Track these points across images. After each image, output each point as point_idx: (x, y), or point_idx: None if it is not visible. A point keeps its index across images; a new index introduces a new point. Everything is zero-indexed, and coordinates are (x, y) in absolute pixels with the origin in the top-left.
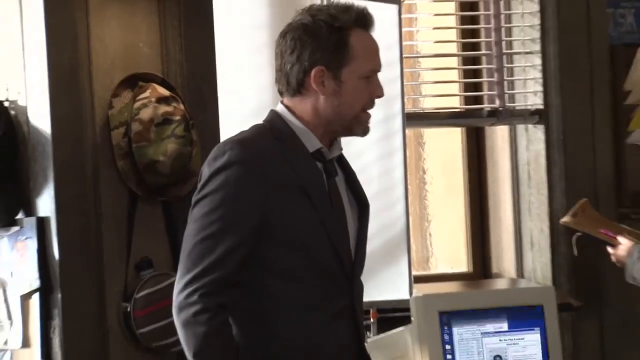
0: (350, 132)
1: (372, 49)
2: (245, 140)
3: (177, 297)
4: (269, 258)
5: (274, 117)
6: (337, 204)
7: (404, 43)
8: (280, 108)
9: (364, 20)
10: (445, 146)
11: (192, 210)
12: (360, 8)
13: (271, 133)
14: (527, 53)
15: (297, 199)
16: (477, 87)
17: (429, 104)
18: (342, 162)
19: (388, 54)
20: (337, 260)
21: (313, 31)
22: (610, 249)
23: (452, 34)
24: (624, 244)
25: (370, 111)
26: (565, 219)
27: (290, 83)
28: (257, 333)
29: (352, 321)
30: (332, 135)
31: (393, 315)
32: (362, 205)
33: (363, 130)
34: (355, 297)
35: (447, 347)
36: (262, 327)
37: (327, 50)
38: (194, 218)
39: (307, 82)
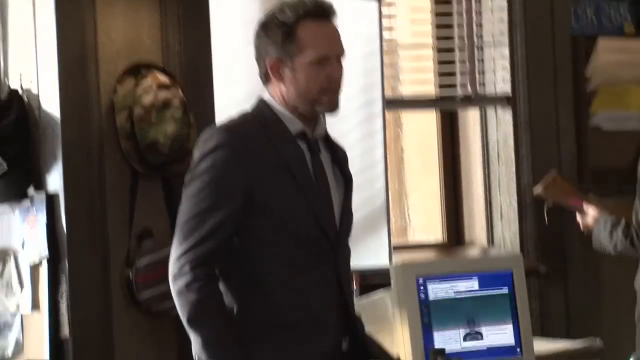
0: (316, 113)
1: (322, 36)
2: (231, 126)
3: (171, 269)
4: (257, 229)
5: (260, 104)
6: (321, 179)
7: (384, 35)
8: (266, 95)
9: (313, 11)
10: (422, 128)
11: (185, 189)
12: (313, 1)
13: (256, 119)
14: (496, 44)
15: (281, 177)
16: (451, 74)
17: (407, 90)
18: (329, 141)
19: (369, 45)
20: (320, 230)
21: (266, 26)
22: (579, 218)
23: (428, 27)
24: (592, 213)
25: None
26: (537, 190)
27: (260, 74)
28: (250, 297)
29: (337, 285)
30: (305, 117)
31: (374, 281)
32: (346, 179)
33: (328, 108)
34: (340, 264)
35: (424, 309)
36: (255, 291)
37: (277, 43)
38: (186, 197)
39: (268, 72)
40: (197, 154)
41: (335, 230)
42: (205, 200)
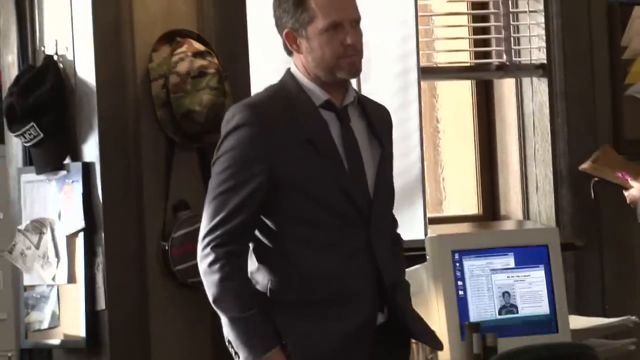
0: (339, 80)
1: (332, 2)
2: (254, 103)
3: (198, 250)
4: (284, 205)
5: (286, 76)
6: (351, 148)
7: (419, 3)
8: (292, 67)
9: None
10: (457, 98)
11: (212, 167)
12: None
13: (281, 92)
14: (531, 12)
15: (303, 151)
16: (486, 43)
17: (442, 59)
18: (364, 107)
19: (404, 13)
20: (349, 202)
21: None
22: (625, 192)
23: None
24: (637, 186)
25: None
26: (584, 165)
27: (283, 46)
28: (282, 274)
29: (369, 256)
30: (330, 86)
31: (409, 254)
32: (382, 147)
33: (348, 74)
34: (373, 235)
35: (460, 283)
36: (287, 268)
37: (290, 13)
38: (213, 175)
39: (287, 44)
40: (222, 131)
41: (369, 199)
42: (229, 180)
